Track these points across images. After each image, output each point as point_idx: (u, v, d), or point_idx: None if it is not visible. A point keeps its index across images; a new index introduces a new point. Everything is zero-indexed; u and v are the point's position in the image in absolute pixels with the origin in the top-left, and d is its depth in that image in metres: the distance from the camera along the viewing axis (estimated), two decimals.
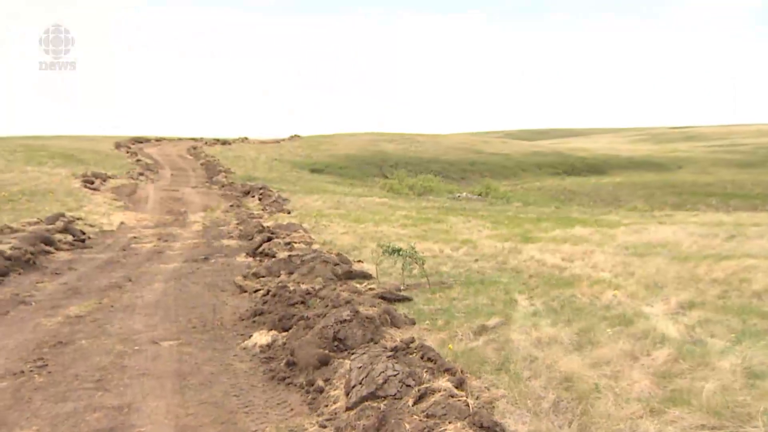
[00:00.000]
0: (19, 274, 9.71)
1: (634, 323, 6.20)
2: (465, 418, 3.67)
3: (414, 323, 6.60)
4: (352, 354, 5.12)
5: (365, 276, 9.35)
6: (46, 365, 5.51)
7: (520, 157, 51.00)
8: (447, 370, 4.51)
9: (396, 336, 5.78)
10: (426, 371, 4.45)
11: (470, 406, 3.81)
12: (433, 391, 4.03)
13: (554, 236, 13.72)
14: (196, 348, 6.12)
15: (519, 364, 5.08)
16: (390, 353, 4.76)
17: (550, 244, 12.24)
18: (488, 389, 4.52)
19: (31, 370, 5.37)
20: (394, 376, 4.29)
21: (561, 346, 5.55)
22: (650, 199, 35.96)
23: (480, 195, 31.80)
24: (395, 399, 4.10)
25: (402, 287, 8.54)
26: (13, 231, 12.31)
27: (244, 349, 6.13)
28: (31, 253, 10.62)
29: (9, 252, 10.12)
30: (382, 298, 7.61)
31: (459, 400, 3.87)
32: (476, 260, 10.69)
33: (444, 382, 4.18)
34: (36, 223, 13.74)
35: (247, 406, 4.66)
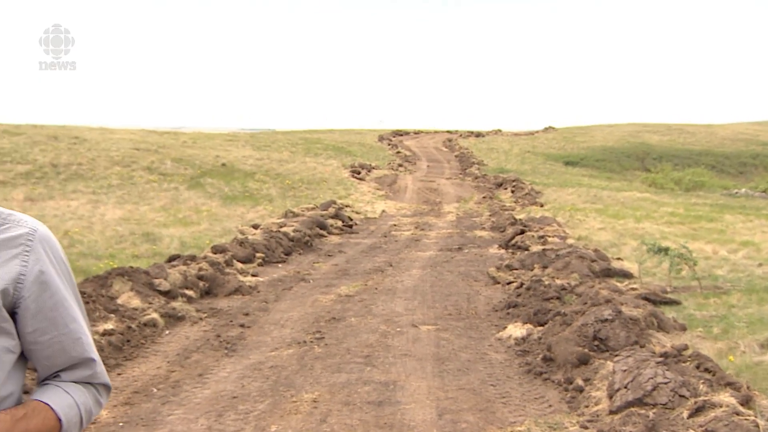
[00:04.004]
0: (299, 254, 10.99)
1: None
2: None
3: (684, 329, 6.04)
4: (615, 355, 4.83)
5: (625, 275, 8.80)
6: (323, 338, 6.13)
7: None
8: (729, 384, 4.02)
9: (664, 341, 5.32)
10: (702, 383, 4.01)
11: (760, 427, 3.35)
12: (713, 406, 3.62)
13: None
14: (453, 334, 6.30)
15: None
16: (659, 359, 4.40)
17: None
18: None
19: (311, 341, 6.01)
20: (665, 383, 3.94)
21: None
22: None
23: (764, 192, 27.91)
24: (666, 408, 3.77)
25: (668, 289, 7.87)
26: (295, 215, 13.96)
27: (499, 339, 6.15)
28: (309, 236, 11.97)
29: (292, 234, 11.51)
30: (646, 299, 7.09)
31: (746, 419, 3.42)
32: (760, 264, 9.42)
33: (726, 397, 3.73)
34: (312, 209, 15.41)
35: (504, 397, 4.66)
